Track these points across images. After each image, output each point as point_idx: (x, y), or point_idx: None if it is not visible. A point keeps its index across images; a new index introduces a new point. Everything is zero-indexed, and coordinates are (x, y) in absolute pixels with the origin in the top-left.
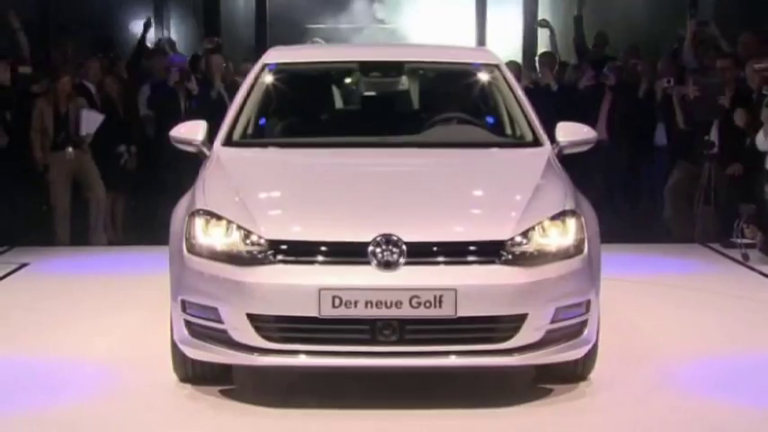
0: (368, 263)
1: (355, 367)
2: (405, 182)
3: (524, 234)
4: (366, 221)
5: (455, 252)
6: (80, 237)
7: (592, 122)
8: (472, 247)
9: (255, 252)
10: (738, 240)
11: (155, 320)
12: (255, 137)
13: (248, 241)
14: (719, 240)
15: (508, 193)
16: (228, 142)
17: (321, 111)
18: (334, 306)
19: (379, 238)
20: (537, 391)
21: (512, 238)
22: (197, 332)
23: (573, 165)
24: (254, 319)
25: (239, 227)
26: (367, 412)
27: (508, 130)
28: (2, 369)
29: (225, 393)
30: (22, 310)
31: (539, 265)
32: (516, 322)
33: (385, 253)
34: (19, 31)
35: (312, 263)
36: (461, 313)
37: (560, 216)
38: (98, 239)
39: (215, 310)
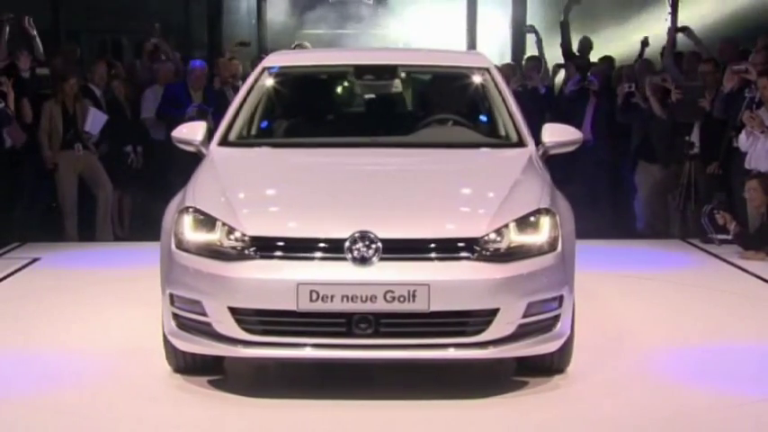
0: (344, 258)
1: (333, 359)
2: (385, 180)
3: (498, 231)
4: (343, 218)
5: (429, 249)
6: (88, 233)
7: (577, 124)
8: (446, 244)
9: (238, 248)
10: (714, 235)
11: (156, 313)
12: (252, 137)
13: (232, 237)
14: (699, 236)
15: (484, 191)
16: (224, 142)
17: (316, 112)
18: (311, 300)
19: (355, 235)
20: (512, 384)
21: (485, 236)
22: (184, 324)
23: (559, 164)
24: (235, 312)
25: (224, 224)
26: (352, 402)
27: (497, 132)
28: (6, 358)
29: (215, 383)
30: (30, 303)
31: (511, 261)
32: (488, 317)
33: (361, 249)
34: (35, 38)
35: (291, 258)
36: (434, 308)
37: (535, 214)
38: (105, 235)
39: (199, 303)
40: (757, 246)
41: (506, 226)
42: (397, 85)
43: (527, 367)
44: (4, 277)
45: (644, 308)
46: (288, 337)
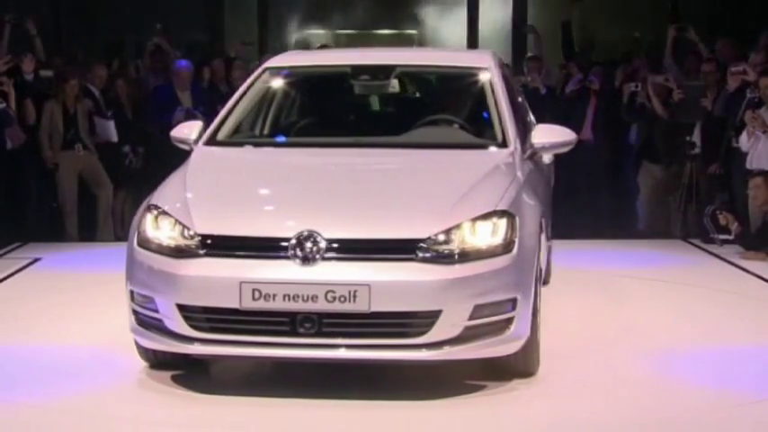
0: (288, 258)
1: (278, 358)
2: (345, 180)
3: (447, 232)
4: (290, 218)
5: (373, 249)
6: (89, 233)
7: (578, 124)
8: (390, 245)
9: (190, 246)
10: (715, 235)
11: None
12: (241, 136)
13: (185, 235)
14: (700, 236)
15: (440, 193)
16: (211, 142)
17: (310, 113)
18: (254, 299)
19: (300, 235)
20: (471, 386)
21: (431, 237)
22: (142, 321)
23: (559, 165)
24: (182, 309)
25: (178, 222)
26: (312, 402)
27: (488, 132)
28: (7, 358)
29: (221, 382)
30: (31, 303)
31: (458, 263)
32: (431, 318)
33: (305, 248)
34: (36, 37)
35: (237, 257)
36: (375, 308)
37: (490, 216)
38: (106, 235)
39: (153, 300)
40: (758, 246)
41: (457, 227)
42: (394, 86)
43: (490, 370)
44: (6, 277)
45: (645, 308)
46: (234, 335)
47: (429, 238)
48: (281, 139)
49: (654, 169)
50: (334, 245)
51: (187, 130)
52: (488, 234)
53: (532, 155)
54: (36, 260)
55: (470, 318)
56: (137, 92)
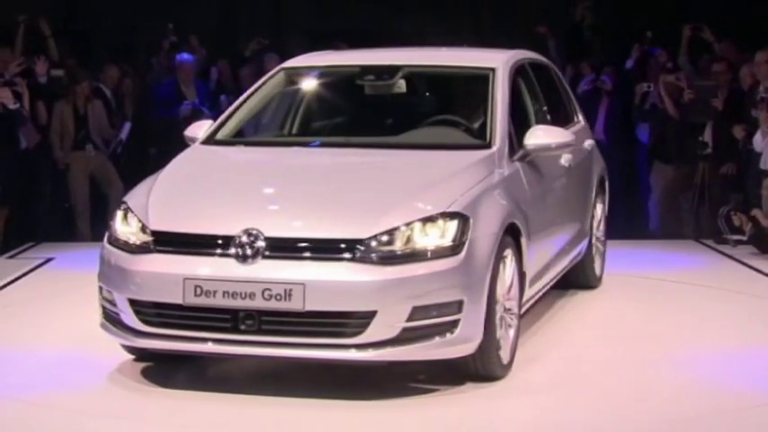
0: (230, 255)
1: (220, 354)
2: (305, 180)
3: (389, 233)
4: (235, 216)
5: (312, 248)
6: (101, 232)
7: (590, 124)
8: (328, 245)
9: (145, 243)
10: (729, 236)
11: None
12: (242, 136)
13: (144, 232)
14: (713, 237)
15: (391, 193)
16: (209, 141)
17: (313, 113)
18: (195, 295)
19: (242, 232)
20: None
21: (371, 237)
22: (107, 315)
23: None
24: (134, 303)
25: (139, 219)
26: (255, 398)
27: (482, 133)
28: (20, 358)
29: (235, 382)
30: (44, 302)
31: (398, 264)
32: (365, 319)
33: (245, 246)
34: (50, 38)
35: (183, 253)
36: (309, 307)
37: (438, 218)
38: None
39: (112, 294)
40: None
41: (399, 228)
42: (400, 86)
43: (451, 371)
44: (19, 277)
45: (656, 308)
46: (180, 330)
47: (369, 238)
48: (273, 138)
49: (666, 169)
50: (275, 243)
51: (199, 130)
52: (436, 236)
53: (524, 156)
54: (49, 260)
55: (409, 319)
56: (143, 92)
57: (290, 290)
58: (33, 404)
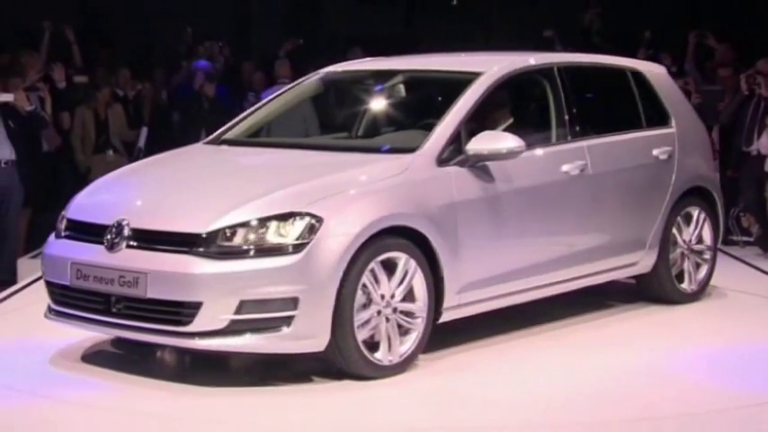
0: (103, 243)
1: (97, 333)
2: (203, 177)
3: (231, 228)
4: (117, 207)
5: (163, 241)
6: None
7: None
8: (175, 237)
9: (60, 229)
10: (737, 238)
11: None
12: (243, 137)
13: (62, 220)
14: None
15: (261, 189)
16: (214, 141)
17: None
18: (77, 278)
19: (115, 222)
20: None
21: (210, 232)
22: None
23: None
24: (47, 284)
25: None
26: (194, 389)
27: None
28: (36, 360)
29: (232, 378)
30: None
31: (233, 259)
32: (193, 309)
33: (114, 236)
34: (74, 44)
35: (76, 239)
36: (150, 295)
37: (290, 216)
38: None
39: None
40: None
41: (242, 224)
42: (399, 91)
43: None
44: (37, 279)
45: (661, 308)
46: (72, 309)
47: (209, 232)
48: (264, 139)
49: None
50: (137, 235)
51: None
52: (281, 233)
53: (464, 162)
54: None
55: (237, 312)
56: (161, 96)
57: (138, 278)
58: (64, 401)
